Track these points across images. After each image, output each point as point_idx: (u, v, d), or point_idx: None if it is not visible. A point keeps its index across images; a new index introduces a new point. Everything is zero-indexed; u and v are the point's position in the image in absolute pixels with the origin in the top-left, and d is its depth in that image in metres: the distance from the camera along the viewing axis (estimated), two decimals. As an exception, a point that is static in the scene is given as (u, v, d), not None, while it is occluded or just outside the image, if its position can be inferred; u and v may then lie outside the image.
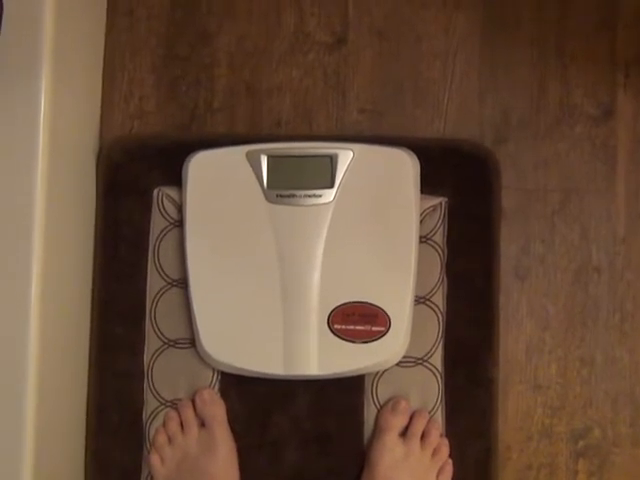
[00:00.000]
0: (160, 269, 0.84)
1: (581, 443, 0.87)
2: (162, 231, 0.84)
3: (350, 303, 0.79)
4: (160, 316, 0.84)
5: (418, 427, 0.81)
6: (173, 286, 0.83)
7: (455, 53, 0.89)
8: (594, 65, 0.89)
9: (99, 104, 0.88)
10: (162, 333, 0.83)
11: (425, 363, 0.83)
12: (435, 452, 0.81)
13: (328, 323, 0.79)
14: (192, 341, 0.82)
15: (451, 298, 0.83)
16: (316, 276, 0.79)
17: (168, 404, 0.83)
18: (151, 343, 0.84)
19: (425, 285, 0.83)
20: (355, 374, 0.81)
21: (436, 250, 0.83)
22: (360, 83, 0.89)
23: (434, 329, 0.83)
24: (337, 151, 0.80)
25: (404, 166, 0.80)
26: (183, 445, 0.81)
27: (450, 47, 0.89)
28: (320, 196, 0.80)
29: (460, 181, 0.84)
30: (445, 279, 0.83)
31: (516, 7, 0.89)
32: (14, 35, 0.68)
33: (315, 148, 0.81)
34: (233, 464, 0.81)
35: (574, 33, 0.89)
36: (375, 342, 0.79)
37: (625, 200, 0.88)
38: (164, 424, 0.82)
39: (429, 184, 0.82)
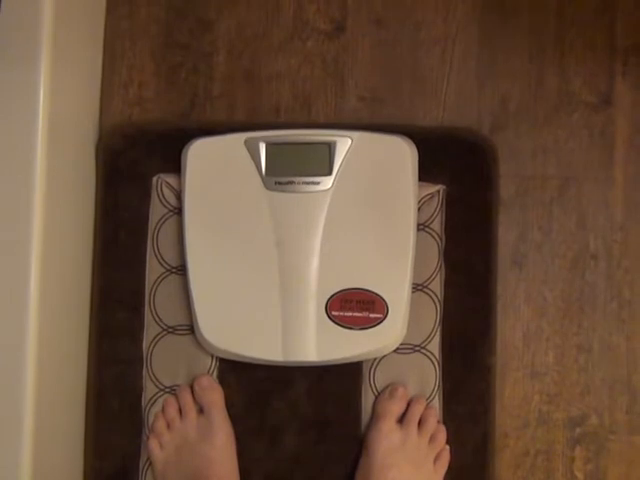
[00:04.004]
0: (159, 256, 0.84)
1: (578, 430, 0.88)
2: (161, 218, 0.84)
3: (348, 290, 0.80)
4: (159, 303, 0.84)
5: (415, 413, 0.81)
6: (172, 273, 0.84)
7: (454, 40, 0.89)
8: (593, 53, 0.89)
9: (99, 91, 0.88)
10: (161, 319, 0.84)
11: (423, 350, 0.83)
12: (432, 438, 0.81)
13: (326, 310, 0.79)
14: (191, 327, 0.82)
15: (449, 285, 0.84)
16: (314, 263, 0.80)
17: (167, 390, 0.83)
18: (150, 329, 0.84)
19: (423, 272, 0.83)
20: (353, 361, 0.81)
21: (434, 238, 0.84)
22: (359, 71, 0.89)
23: (432, 316, 0.83)
24: (335, 138, 0.80)
25: (402, 154, 0.80)
26: (181, 430, 0.81)
27: (449, 34, 0.89)
28: (318, 183, 0.80)
29: (458, 169, 0.84)
30: (443, 266, 0.84)
31: (515, -6, 0.89)
32: (13, 21, 0.68)
33: (313, 135, 0.81)
34: (231, 449, 0.81)
35: (573, 21, 0.89)
36: (373, 329, 0.79)
37: (623, 188, 0.88)
38: (163, 410, 0.83)
39: (427, 172, 0.82)
